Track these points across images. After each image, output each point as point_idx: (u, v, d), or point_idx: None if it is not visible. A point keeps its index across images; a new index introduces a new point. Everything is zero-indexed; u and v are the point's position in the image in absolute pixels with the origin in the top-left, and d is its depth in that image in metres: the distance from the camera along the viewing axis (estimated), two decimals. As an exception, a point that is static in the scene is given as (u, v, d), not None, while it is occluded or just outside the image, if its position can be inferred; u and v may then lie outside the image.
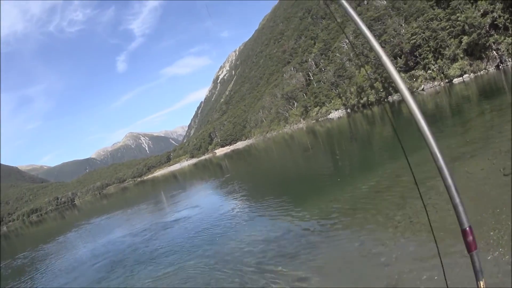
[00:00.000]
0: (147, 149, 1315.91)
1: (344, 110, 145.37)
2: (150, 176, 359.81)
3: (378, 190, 24.57)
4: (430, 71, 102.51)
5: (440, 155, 2.23)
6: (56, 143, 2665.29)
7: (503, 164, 17.88)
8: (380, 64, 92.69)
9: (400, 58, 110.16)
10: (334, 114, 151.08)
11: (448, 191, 2.31)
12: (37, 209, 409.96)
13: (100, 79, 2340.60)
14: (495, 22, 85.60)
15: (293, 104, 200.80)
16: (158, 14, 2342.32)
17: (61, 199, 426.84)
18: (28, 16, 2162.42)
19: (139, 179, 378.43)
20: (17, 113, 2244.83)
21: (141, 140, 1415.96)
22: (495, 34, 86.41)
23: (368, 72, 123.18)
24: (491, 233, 12.38)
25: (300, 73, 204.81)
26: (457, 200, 2.34)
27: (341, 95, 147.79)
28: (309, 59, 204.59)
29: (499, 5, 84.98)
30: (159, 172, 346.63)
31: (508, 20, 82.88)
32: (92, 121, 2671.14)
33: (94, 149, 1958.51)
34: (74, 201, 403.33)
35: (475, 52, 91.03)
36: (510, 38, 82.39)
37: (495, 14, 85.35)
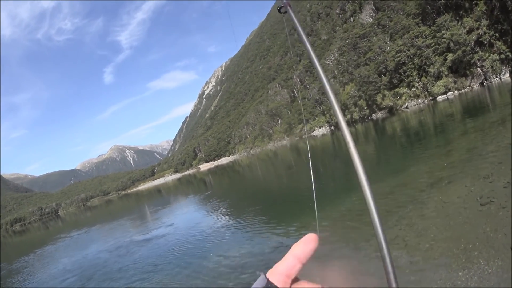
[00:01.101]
0: (132, 162, 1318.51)
1: (328, 128, 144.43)
2: (134, 189, 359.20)
3: (347, 218, 23.32)
4: (414, 89, 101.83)
5: (375, 211, 2.14)
6: (41, 153, 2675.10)
7: (480, 192, 16.65)
8: (364, 82, 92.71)
9: (385, 75, 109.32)
10: (318, 131, 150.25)
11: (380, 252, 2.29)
12: (20, 219, 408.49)
13: (87, 90, 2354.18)
14: (480, 39, 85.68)
15: (277, 121, 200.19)
16: (146, 27, 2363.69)
17: (45, 210, 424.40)
18: (16, 21, 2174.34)
19: (123, 192, 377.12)
20: (1, 120, 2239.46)
21: (126, 153, 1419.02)
22: (480, 51, 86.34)
23: (352, 89, 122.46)
24: (460, 273, 11.33)
25: (285, 90, 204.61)
26: (388, 260, 2.31)
27: (325, 112, 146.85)
28: (294, 76, 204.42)
29: (484, 22, 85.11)
30: (143, 186, 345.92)
31: (493, 37, 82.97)
32: (78, 132, 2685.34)
33: (79, 160, 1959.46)
34: (58, 212, 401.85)
35: (460, 69, 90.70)
36: (495, 54, 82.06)
37: (480, 31, 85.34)
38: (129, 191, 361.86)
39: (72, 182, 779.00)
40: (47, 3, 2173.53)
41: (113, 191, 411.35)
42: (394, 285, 1.65)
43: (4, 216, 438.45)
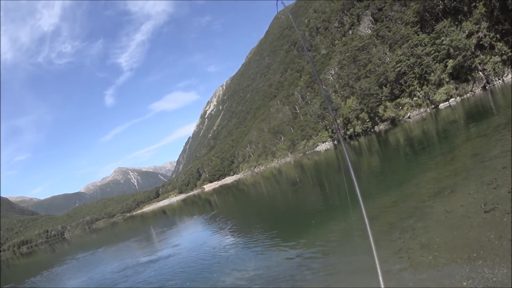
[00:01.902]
0: (136, 184, 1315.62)
1: (331, 142, 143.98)
2: (139, 211, 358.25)
3: (351, 232, 22.39)
4: (416, 98, 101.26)
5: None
6: (45, 176, 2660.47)
7: (484, 199, 16.43)
8: (366, 94, 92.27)
9: (386, 86, 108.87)
10: (321, 147, 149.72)
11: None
12: (27, 241, 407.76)
13: (89, 113, 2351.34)
14: (481, 42, 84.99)
15: (280, 138, 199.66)
16: (145, 48, 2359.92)
17: (51, 232, 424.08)
18: (17, 45, 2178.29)
19: (128, 214, 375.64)
20: (6, 144, 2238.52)
21: (130, 175, 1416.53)
22: (480, 55, 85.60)
23: (354, 103, 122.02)
24: (464, 283, 11.17)
25: (287, 107, 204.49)
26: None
27: (328, 127, 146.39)
28: (295, 92, 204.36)
29: (484, 24, 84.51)
30: (148, 208, 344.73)
31: (494, 39, 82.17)
32: (82, 155, 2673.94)
33: (83, 183, 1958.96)
34: (64, 235, 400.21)
35: (461, 74, 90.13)
36: (497, 56, 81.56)
37: (480, 34, 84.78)
38: (134, 213, 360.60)
39: (77, 205, 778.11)
40: (46, 26, 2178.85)
41: (118, 213, 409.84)
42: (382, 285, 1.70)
43: (11, 238, 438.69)
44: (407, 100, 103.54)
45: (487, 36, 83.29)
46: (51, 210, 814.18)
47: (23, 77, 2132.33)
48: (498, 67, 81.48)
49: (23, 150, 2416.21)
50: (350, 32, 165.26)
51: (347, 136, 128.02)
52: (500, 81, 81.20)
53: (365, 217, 7.05)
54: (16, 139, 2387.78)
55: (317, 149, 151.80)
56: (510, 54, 79.14)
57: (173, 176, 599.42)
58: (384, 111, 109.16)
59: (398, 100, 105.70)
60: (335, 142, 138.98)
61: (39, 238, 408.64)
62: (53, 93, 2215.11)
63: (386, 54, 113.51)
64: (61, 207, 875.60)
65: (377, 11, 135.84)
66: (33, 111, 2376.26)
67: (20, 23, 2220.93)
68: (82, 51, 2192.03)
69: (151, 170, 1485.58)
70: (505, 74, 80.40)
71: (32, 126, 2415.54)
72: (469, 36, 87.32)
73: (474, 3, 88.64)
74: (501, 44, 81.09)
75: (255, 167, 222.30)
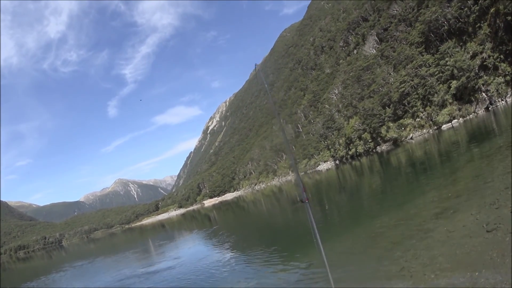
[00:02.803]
0: (135, 196, 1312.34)
1: (332, 162, 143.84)
2: (138, 223, 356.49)
3: (354, 251, 23.27)
4: (418, 119, 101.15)
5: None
6: (45, 183, 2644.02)
7: (486, 219, 16.28)
8: (369, 115, 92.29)
9: (389, 107, 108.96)
10: (323, 166, 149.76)
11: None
12: (24, 246, 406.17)
13: (92, 122, 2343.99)
14: (485, 63, 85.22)
15: (282, 156, 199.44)
16: (150, 61, 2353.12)
17: (48, 239, 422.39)
18: (23, 50, 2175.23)
19: (127, 226, 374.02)
20: (7, 149, 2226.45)
21: (130, 187, 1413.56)
22: (484, 75, 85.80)
23: (356, 123, 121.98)
24: None
25: (289, 125, 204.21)
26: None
27: (330, 146, 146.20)
28: (298, 111, 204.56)
29: (488, 45, 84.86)
30: (147, 221, 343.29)
31: (498, 59, 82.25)
32: (82, 164, 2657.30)
33: (83, 192, 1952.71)
34: (62, 243, 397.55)
35: (464, 95, 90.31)
36: (500, 77, 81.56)
37: (484, 55, 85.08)
38: (132, 225, 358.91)
39: (75, 213, 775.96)
40: (53, 33, 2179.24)
41: (117, 225, 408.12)
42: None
43: (8, 242, 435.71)
44: (410, 121, 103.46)
45: (491, 57, 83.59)
46: (49, 217, 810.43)
47: (28, 83, 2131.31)
48: (502, 88, 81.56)
49: (24, 155, 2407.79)
50: (355, 51, 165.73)
51: (349, 156, 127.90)
52: (503, 102, 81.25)
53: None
54: (17, 144, 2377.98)
55: (319, 168, 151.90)
56: (513, 74, 79.28)
57: (173, 190, 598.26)
58: (387, 131, 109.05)
59: (401, 120, 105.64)
60: (337, 162, 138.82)
61: (36, 244, 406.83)
62: (57, 100, 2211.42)
63: (390, 74, 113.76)
64: (60, 215, 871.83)
65: (382, 31, 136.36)
66: (35, 117, 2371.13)
67: (27, 28, 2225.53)
68: (87, 60, 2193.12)
69: (152, 183, 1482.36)
70: (508, 95, 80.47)
71: (34, 132, 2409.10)
72: (473, 57, 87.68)
73: (479, 24, 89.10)
74: (504, 65, 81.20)
75: (255, 185, 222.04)
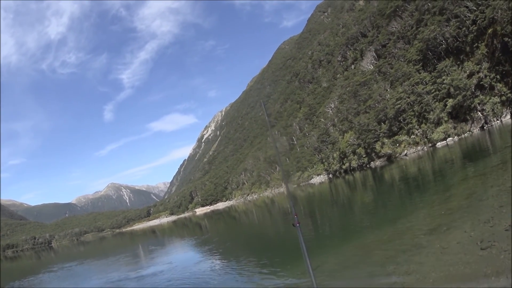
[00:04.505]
0: (127, 201, 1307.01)
1: (326, 175, 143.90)
2: (129, 228, 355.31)
3: (346, 265, 22.95)
4: (413, 136, 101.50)
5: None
6: (38, 183, 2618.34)
7: (480, 237, 16.20)
8: (364, 130, 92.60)
9: (384, 123, 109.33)
10: (316, 179, 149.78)
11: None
12: (13, 245, 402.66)
13: (87, 125, 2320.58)
14: (481, 83, 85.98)
15: (275, 168, 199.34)
16: (148, 67, 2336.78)
17: (38, 240, 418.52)
18: (23, 50, 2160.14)
19: (117, 230, 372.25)
20: (2, 146, 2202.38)
21: (122, 191, 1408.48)
22: (480, 95, 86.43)
23: (351, 137, 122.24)
24: None
25: (284, 137, 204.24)
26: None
27: (324, 160, 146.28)
28: (294, 124, 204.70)
29: (485, 65, 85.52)
30: (138, 226, 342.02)
31: (494, 79, 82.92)
32: (76, 166, 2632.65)
33: (75, 195, 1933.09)
34: (51, 244, 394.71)
35: (460, 114, 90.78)
36: (496, 97, 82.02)
37: (481, 74, 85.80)
38: (123, 230, 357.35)
39: (67, 215, 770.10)
40: (54, 35, 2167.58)
41: (108, 229, 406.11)
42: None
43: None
44: (404, 137, 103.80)
45: (488, 77, 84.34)
46: (40, 218, 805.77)
47: (26, 82, 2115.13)
48: (497, 108, 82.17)
49: (18, 154, 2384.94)
50: (353, 66, 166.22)
51: (342, 170, 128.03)
52: (498, 121, 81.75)
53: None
54: (12, 143, 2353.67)
55: (312, 181, 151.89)
56: (509, 95, 79.72)
57: (166, 197, 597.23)
58: (381, 147, 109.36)
59: (396, 137, 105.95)
60: (330, 175, 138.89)
61: (25, 244, 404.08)
62: (53, 101, 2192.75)
63: (387, 90, 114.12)
64: (51, 216, 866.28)
65: (380, 47, 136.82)
66: (31, 116, 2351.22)
67: (28, 27, 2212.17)
68: (86, 63, 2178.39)
69: (144, 189, 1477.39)
70: (504, 115, 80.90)
71: (30, 131, 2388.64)
72: (470, 76, 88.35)
73: (476, 44, 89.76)
74: (501, 85, 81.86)
75: (248, 195, 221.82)
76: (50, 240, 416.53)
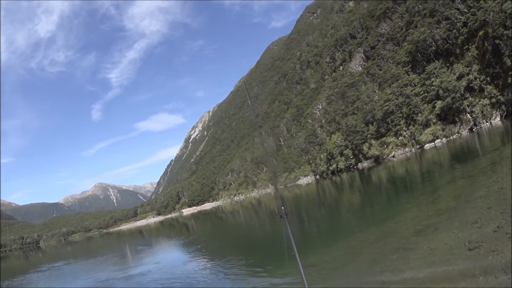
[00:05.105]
0: (115, 201, 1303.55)
1: (313, 176, 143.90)
2: (116, 228, 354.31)
3: (334, 266, 23.09)
4: (401, 138, 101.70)
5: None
6: (26, 182, 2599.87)
7: (468, 238, 16.21)
8: (351, 131, 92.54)
9: (372, 124, 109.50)
10: (303, 180, 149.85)
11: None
12: (1, 245, 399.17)
13: (74, 125, 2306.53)
14: (471, 85, 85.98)
15: (262, 168, 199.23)
16: (137, 67, 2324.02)
17: (26, 239, 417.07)
18: (13, 48, 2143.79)
19: (105, 231, 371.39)
20: None
21: (109, 191, 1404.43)
22: (469, 97, 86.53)
23: (339, 139, 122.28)
24: None
25: (271, 138, 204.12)
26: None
27: (311, 161, 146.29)
28: (281, 124, 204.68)
29: (475, 67, 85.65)
30: (125, 226, 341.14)
31: (484, 82, 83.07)
32: (63, 166, 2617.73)
33: (62, 195, 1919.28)
34: (39, 244, 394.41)
35: (448, 116, 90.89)
36: (486, 99, 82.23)
37: (471, 76, 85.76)
38: (111, 230, 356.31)
39: (54, 215, 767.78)
40: (43, 33, 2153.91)
41: (95, 229, 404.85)
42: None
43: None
44: (392, 139, 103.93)
45: (478, 79, 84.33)
46: (28, 217, 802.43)
47: (15, 80, 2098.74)
48: (487, 110, 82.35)
49: (6, 153, 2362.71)
50: (341, 68, 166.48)
51: (329, 171, 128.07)
52: (487, 123, 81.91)
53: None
54: (1, 142, 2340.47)
55: (299, 182, 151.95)
56: (499, 97, 79.88)
57: (153, 197, 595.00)
58: (369, 148, 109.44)
59: (384, 138, 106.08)
60: (317, 176, 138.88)
61: (13, 244, 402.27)
62: (42, 100, 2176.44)
63: (375, 92, 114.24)
64: (39, 216, 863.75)
65: (369, 49, 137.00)
66: (20, 115, 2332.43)
67: (18, 25, 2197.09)
68: (74, 62, 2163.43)
69: (131, 189, 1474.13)
70: (493, 117, 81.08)
71: (18, 130, 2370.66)
72: (459, 78, 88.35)
73: (466, 46, 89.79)
74: (490, 87, 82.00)
75: (235, 196, 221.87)
76: (38, 240, 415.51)
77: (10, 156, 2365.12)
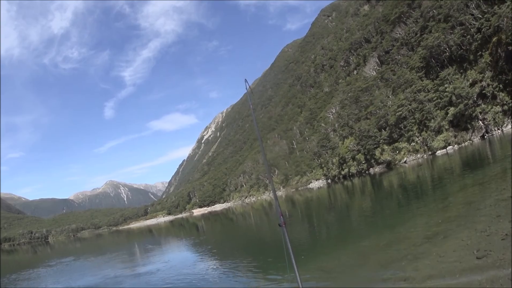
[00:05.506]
0: (125, 199, 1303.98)
1: (324, 180, 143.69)
2: (125, 226, 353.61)
3: (342, 270, 22.85)
4: (413, 143, 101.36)
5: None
6: (36, 177, 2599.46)
7: (477, 246, 15.92)
8: (364, 136, 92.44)
9: (385, 130, 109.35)
10: (314, 184, 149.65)
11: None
12: (10, 238, 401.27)
13: (87, 122, 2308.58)
14: (484, 91, 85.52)
15: (274, 171, 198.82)
16: (151, 66, 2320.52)
17: (35, 234, 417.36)
18: (26, 43, 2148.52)
19: (114, 228, 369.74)
20: (1, 139, 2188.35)
21: (120, 189, 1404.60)
22: (482, 104, 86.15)
23: (351, 143, 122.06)
24: None
25: (284, 141, 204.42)
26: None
27: (323, 165, 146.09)
28: (294, 127, 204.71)
29: (488, 74, 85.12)
30: (135, 225, 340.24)
31: (497, 89, 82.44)
32: (74, 162, 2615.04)
33: (73, 191, 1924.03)
34: (48, 239, 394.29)
35: (461, 123, 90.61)
36: (498, 106, 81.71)
37: (484, 83, 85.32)
38: (120, 228, 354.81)
39: (64, 211, 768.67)
40: (57, 29, 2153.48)
41: (105, 226, 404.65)
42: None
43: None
44: (405, 145, 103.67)
45: (490, 86, 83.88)
46: (37, 212, 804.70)
47: (27, 76, 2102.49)
48: (499, 117, 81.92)
49: (17, 148, 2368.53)
50: (355, 72, 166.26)
51: (341, 176, 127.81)
52: (499, 131, 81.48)
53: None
54: (11, 136, 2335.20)
55: (310, 186, 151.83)
56: (511, 104, 79.28)
57: (164, 196, 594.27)
58: (381, 154, 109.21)
59: (396, 144, 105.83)
60: (329, 181, 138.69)
61: (22, 238, 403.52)
62: (54, 96, 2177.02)
63: (388, 97, 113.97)
64: (48, 211, 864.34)
65: (384, 53, 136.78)
66: (32, 110, 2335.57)
67: (31, 21, 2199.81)
68: (88, 59, 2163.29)
69: (142, 188, 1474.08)
70: (505, 124, 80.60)
71: (29, 125, 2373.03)
72: (472, 84, 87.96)
73: (480, 52, 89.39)
74: (503, 94, 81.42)
75: (246, 198, 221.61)
76: (47, 235, 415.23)
77: (21, 151, 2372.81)
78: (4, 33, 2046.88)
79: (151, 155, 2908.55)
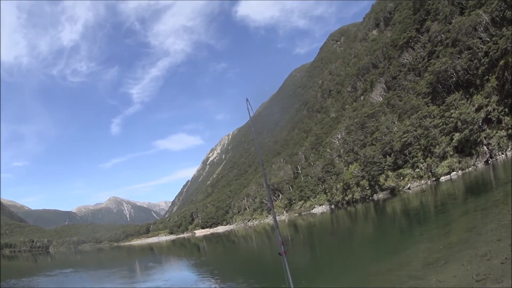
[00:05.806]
0: (128, 216, 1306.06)
1: (328, 206, 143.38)
2: (127, 243, 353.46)
3: None
4: (418, 170, 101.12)
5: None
6: (40, 188, 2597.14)
7: (477, 270, 16.10)
8: (369, 162, 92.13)
9: (390, 156, 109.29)
10: (318, 209, 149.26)
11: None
12: (11, 245, 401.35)
13: (93, 137, 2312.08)
14: (489, 116, 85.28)
15: (278, 195, 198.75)
16: (159, 84, 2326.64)
17: (36, 243, 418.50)
18: (35, 52, 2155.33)
19: (115, 244, 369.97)
20: (6, 147, 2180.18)
21: (123, 206, 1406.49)
22: (487, 129, 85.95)
23: (356, 169, 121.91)
24: None
25: (289, 165, 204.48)
26: None
27: (327, 190, 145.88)
28: (300, 152, 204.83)
29: (494, 98, 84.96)
30: (136, 242, 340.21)
31: (502, 113, 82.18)
32: (79, 176, 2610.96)
33: (76, 204, 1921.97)
34: (49, 249, 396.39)
35: (466, 148, 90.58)
36: (503, 131, 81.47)
37: (489, 108, 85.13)
38: (121, 244, 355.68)
39: (66, 223, 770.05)
40: (66, 41, 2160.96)
41: (106, 241, 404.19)
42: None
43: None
44: (409, 171, 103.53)
45: (496, 110, 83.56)
46: (39, 222, 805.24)
47: (35, 86, 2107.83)
48: (503, 142, 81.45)
49: (22, 157, 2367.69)
50: (362, 97, 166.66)
51: (345, 202, 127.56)
52: (503, 155, 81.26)
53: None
54: (17, 145, 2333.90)
55: (313, 211, 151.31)
56: (516, 128, 79.06)
57: (166, 215, 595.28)
58: (385, 180, 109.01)
59: (401, 170, 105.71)
60: (332, 206, 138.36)
61: (23, 246, 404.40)
62: (61, 108, 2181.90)
63: (394, 123, 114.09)
64: (50, 222, 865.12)
65: (391, 79, 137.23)
66: (38, 121, 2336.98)
67: (41, 30, 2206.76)
68: (97, 74, 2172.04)
69: (145, 206, 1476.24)
70: (509, 149, 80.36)
71: (35, 136, 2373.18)
72: (478, 109, 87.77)
73: (487, 76, 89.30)
74: (508, 118, 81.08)
75: (249, 221, 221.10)
76: (48, 245, 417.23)
77: (26, 160, 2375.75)
78: (13, 40, 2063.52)
79: (155, 174, 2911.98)
